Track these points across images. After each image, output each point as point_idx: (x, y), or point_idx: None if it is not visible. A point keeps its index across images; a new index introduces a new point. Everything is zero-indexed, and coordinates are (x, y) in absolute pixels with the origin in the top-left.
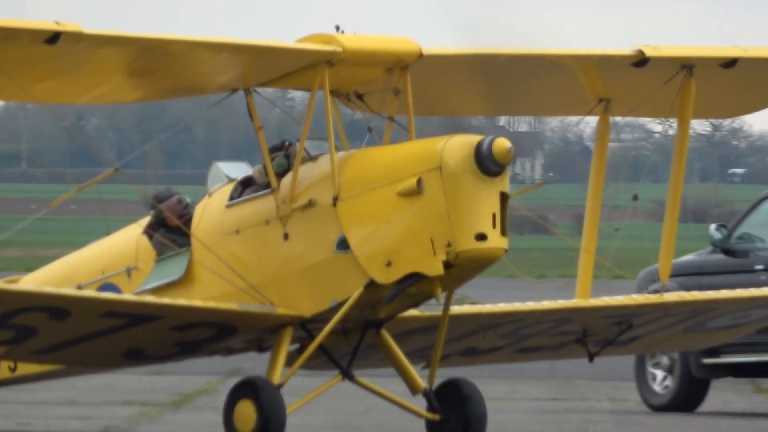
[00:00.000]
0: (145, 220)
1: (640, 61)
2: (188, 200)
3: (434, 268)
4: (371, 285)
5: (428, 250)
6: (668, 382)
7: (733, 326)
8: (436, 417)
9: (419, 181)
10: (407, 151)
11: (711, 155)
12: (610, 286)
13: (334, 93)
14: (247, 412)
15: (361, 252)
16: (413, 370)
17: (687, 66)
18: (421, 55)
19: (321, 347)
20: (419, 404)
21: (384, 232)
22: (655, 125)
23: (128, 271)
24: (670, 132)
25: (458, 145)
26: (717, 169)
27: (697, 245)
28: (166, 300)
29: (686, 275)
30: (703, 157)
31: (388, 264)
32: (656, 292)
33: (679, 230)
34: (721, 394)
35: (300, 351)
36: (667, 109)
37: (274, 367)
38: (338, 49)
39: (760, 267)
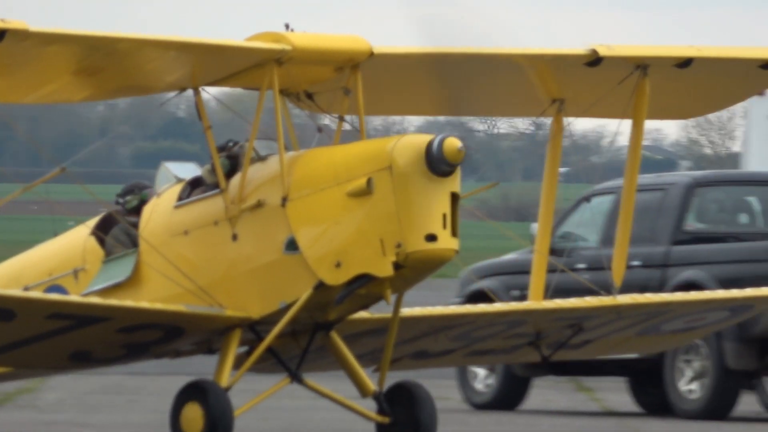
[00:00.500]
0: (93, 221)
1: (594, 60)
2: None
3: (384, 269)
4: (320, 286)
5: (378, 251)
6: (490, 380)
7: (688, 329)
8: (386, 420)
9: (369, 182)
10: (357, 151)
11: (534, 154)
12: None
13: (284, 92)
14: (193, 415)
15: (310, 253)
16: (363, 373)
17: (641, 66)
18: (371, 54)
19: (269, 349)
20: (369, 407)
21: (333, 232)
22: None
23: (75, 273)
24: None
25: (408, 145)
26: (540, 168)
27: (519, 245)
28: (113, 301)
29: (507, 274)
30: (526, 156)
31: (338, 265)
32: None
33: (501, 229)
34: (543, 392)
35: (249, 353)
36: (621, 110)
37: (221, 369)
38: (287, 47)
39: (582, 266)
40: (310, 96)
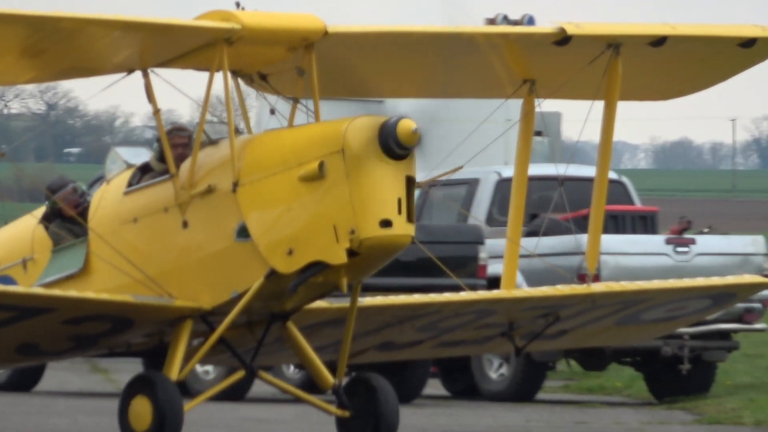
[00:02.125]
0: (40, 211)
1: (562, 39)
2: (84, 188)
3: (337, 256)
4: (272, 275)
5: (331, 238)
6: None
7: (670, 318)
8: (346, 413)
9: (321, 165)
10: (309, 133)
11: (46, 134)
12: None
13: (237, 74)
14: (142, 409)
15: (261, 240)
16: (322, 365)
17: (613, 45)
18: (326, 33)
19: (222, 341)
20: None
21: (285, 219)
22: None
23: (24, 263)
24: None
25: (361, 127)
26: (53, 148)
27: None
28: (56, 292)
29: None
30: (38, 136)
31: (290, 252)
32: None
33: None
34: (59, 374)
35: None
36: (593, 91)
37: (171, 361)
38: (236, 26)
39: None
40: (263, 77)
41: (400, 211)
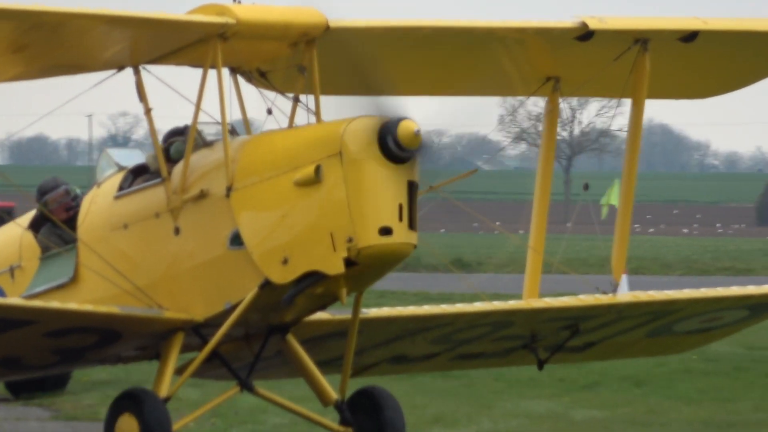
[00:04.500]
0: (28, 216)
1: (585, 34)
2: (77, 191)
3: (334, 266)
4: (267, 285)
5: (328, 247)
6: None
7: (705, 330)
8: (349, 430)
9: (317, 169)
10: (306, 135)
11: None
12: None
13: (236, 70)
14: (128, 427)
15: (255, 248)
16: (324, 380)
17: (640, 40)
18: (327, 28)
19: (217, 355)
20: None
21: (280, 226)
22: None
23: (11, 271)
24: None
25: (360, 129)
26: None
27: None
28: (37, 303)
29: None
30: None
31: (285, 262)
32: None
33: None
34: None
35: (204, 361)
36: (620, 88)
37: (161, 377)
38: (231, 21)
39: None
40: (263, 74)
41: (401, 218)
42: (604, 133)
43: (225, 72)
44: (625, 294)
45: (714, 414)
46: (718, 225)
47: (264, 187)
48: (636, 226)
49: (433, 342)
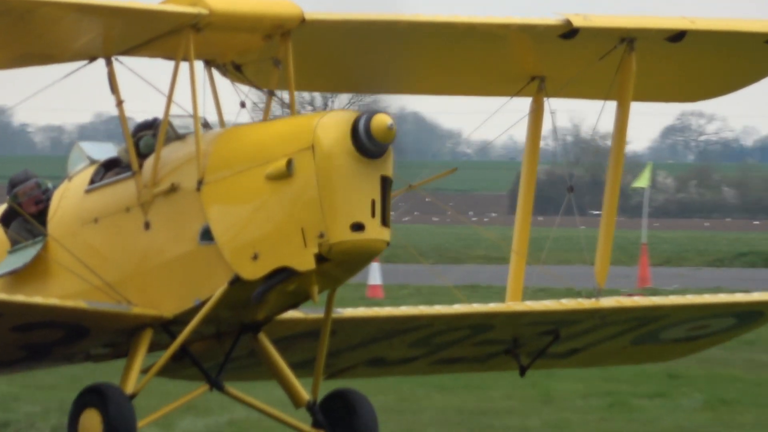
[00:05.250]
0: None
1: (569, 32)
2: (49, 184)
3: (305, 262)
4: (236, 281)
5: (298, 242)
6: None
7: (691, 338)
8: None
9: (289, 163)
10: (278, 128)
11: None
12: None
13: (211, 63)
14: (91, 423)
15: (225, 244)
16: (296, 381)
17: (627, 39)
18: (303, 21)
19: (186, 353)
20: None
21: (250, 220)
22: None
23: None
24: None
25: (333, 123)
26: None
27: None
28: (1, 296)
29: None
30: None
31: (255, 257)
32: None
33: None
34: None
35: (173, 358)
36: (605, 90)
37: (127, 373)
38: (203, 11)
39: None
40: (238, 68)
41: (373, 214)
42: None
43: (199, 65)
44: (608, 299)
45: (466, 402)
46: (471, 213)
47: (235, 181)
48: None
49: (411, 345)
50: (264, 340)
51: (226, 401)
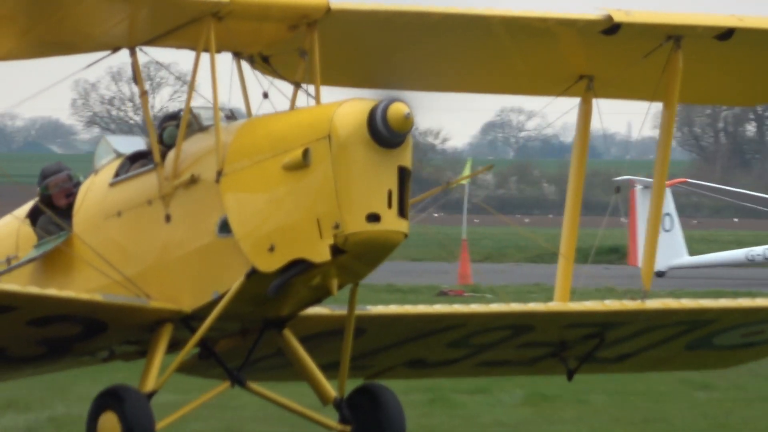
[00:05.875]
0: (25, 208)
1: (610, 28)
2: (81, 177)
3: (320, 253)
4: (253, 274)
5: (314, 233)
6: None
7: (749, 345)
8: (347, 429)
9: (305, 153)
10: (297, 118)
11: None
12: None
13: (239, 55)
14: (109, 425)
15: (242, 236)
16: (323, 379)
17: (672, 36)
18: (328, 10)
19: (208, 349)
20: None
21: (267, 211)
22: None
23: (8, 261)
24: None
25: (350, 112)
26: None
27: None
28: (13, 286)
29: None
30: None
31: (271, 249)
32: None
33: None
34: None
35: (199, 356)
36: (652, 90)
37: (147, 371)
38: None
39: None
40: (265, 59)
41: (390, 205)
42: None
43: (227, 56)
44: (654, 301)
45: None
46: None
47: (253, 172)
48: None
49: (449, 345)
50: (289, 336)
51: (46, 397)
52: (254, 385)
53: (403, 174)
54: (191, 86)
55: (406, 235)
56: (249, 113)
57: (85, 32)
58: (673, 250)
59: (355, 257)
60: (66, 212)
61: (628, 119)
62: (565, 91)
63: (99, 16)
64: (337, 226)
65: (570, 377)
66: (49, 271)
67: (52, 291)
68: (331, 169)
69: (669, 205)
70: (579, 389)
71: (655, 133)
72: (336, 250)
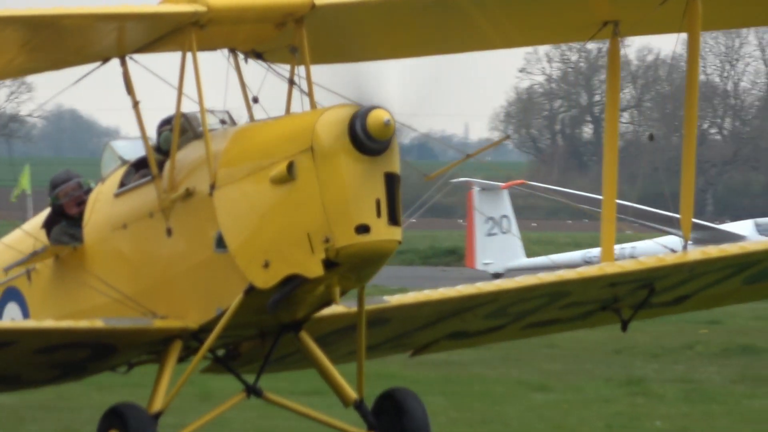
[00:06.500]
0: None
1: None
2: (92, 184)
3: (313, 268)
4: (251, 290)
5: (306, 248)
6: None
7: None
8: None
9: (290, 166)
10: (282, 128)
11: None
12: None
13: (234, 52)
14: None
15: (236, 251)
16: (342, 380)
17: None
18: (313, 6)
19: (220, 361)
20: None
21: (259, 227)
22: None
23: (28, 273)
24: None
25: (331, 120)
26: None
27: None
28: (7, 324)
29: None
30: None
31: (266, 265)
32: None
33: None
34: None
35: (227, 357)
36: (677, 22)
37: (156, 389)
38: (201, 8)
39: None
40: (259, 55)
41: (379, 214)
42: (13, 118)
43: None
44: (694, 251)
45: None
46: None
47: (242, 185)
48: None
49: (487, 317)
50: (306, 339)
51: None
52: (272, 395)
53: (392, 180)
54: (179, 93)
55: (399, 242)
56: (250, 111)
57: (77, 46)
58: (510, 252)
59: (351, 268)
60: (78, 221)
61: (465, 121)
62: (592, 37)
63: (89, 35)
64: (327, 240)
65: (624, 328)
66: (62, 287)
67: (49, 323)
68: (316, 181)
69: (506, 206)
70: (416, 390)
71: (493, 135)
72: (329, 263)
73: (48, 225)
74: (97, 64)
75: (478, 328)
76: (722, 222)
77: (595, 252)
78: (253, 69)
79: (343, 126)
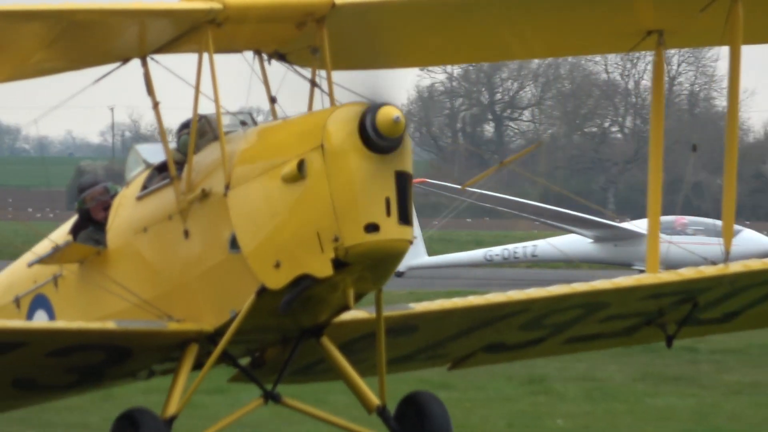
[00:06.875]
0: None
1: None
2: (118, 189)
3: (323, 268)
4: (263, 291)
5: (315, 248)
6: None
7: None
8: None
9: (300, 164)
10: (292, 126)
11: None
12: None
13: (259, 52)
14: None
15: (249, 252)
16: (364, 386)
17: None
18: (333, 5)
19: (239, 366)
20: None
21: (270, 226)
22: None
23: (55, 280)
24: None
25: (342, 118)
26: None
27: None
28: (16, 323)
29: None
30: None
31: (277, 265)
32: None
33: None
34: None
35: (252, 366)
36: (719, 35)
37: (171, 393)
38: (217, 6)
39: None
40: (282, 57)
41: (389, 213)
42: None
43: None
44: (735, 264)
45: None
46: (30, 209)
47: (255, 185)
48: None
49: (522, 328)
50: (328, 344)
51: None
52: (291, 401)
53: (403, 179)
54: (196, 93)
55: (410, 242)
56: (273, 113)
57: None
58: (412, 251)
59: (362, 267)
60: (104, 226)
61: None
62: (635, 47)
63: (113, 34)
64: (336, 239)
65: (669, 344)
66: (87, 293)
67: (60, 323)
68: (326, 180)
69: None
70: (319, 389)
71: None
72: (338, 263)
73: (75, 230)
74: (117, 64)
75: (517, 340)
76: (623, 220)
77: (496, 250)
78: (276, 69)
79: (353, 123)
